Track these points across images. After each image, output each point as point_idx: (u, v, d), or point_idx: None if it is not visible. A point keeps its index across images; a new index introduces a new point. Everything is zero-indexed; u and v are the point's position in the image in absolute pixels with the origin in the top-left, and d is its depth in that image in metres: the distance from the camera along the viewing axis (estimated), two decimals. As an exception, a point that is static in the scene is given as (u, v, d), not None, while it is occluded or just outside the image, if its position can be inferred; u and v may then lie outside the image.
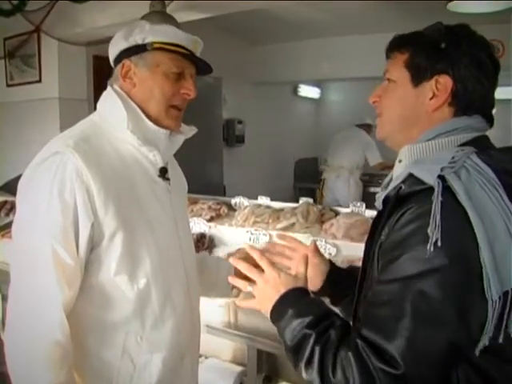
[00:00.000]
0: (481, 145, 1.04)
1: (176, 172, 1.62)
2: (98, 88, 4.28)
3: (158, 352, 1.37)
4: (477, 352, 0.92)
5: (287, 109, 7.30)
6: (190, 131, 1.57)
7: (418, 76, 1.12)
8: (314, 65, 6.01)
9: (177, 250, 1.45)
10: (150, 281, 1.34)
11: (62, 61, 4.03)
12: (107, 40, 1.48)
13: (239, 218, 2.93)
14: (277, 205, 3.13)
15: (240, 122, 6.15)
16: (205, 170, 5.08)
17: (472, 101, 1.09)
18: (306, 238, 2.52)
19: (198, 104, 4.93)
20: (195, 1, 2.99)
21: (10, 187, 4.41)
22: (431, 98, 1.10)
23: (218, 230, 2.93)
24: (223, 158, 5.50)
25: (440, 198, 0.92)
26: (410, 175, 1.02)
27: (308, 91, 7.94)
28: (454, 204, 0.93)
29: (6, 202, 4.02)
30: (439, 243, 0.90)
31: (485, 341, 0.91)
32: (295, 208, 2.91)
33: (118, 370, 1.32)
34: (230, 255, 2.61)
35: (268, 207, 3.04)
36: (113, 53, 1.43)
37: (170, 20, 2.90)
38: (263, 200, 3.20)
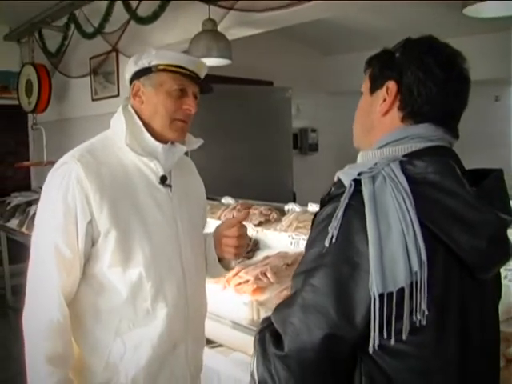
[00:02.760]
0: (431, 154, 1.06)
1: (187, 179, 1.76)
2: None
3: (148, 339, 1.53)
4: (370, 349, 0.96)
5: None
6: (195, 143, 1.73)
7: (374, 84, 1.20)
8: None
9: (173, 248, 1.60)
10: (142, 274, 1.51)
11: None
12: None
13: (284, 224, 3.07)
14: (325, 211, 3.24)
15: (314, 131, 6.27)
16: (275, 178, 5.24)
17: (419, 105, 1.12)
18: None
19: (269, 114, 5.18)
20: (244, 12, 3.13)
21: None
22: (381, 104, 1.16)
23: (264, 234, 3.10)
24: (294, 166, 5.63)
25: (346, 201, 0.99)
26: (339, 178, 1.09)
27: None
28: (360, 207, 0.98)
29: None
30: (333, 240, 0.97)
31: (375, 339, 0.95)
32: (337, 215, 3.00)
33: (110, 349, 1.51)
34: (267, 257, 2.79)
35: (313, 214, 3.14)
36: (127, 76, 1.64)
37: (219, 38, 3.11)
38: (313, 207, 3.32)
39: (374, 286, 0.93)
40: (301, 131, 6.21)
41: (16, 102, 5.52)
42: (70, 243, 1.46)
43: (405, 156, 1.07)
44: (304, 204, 3.44)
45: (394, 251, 0.95)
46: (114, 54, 4.41)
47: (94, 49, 4.61)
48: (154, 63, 1.56)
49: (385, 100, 1.16)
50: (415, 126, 1.13)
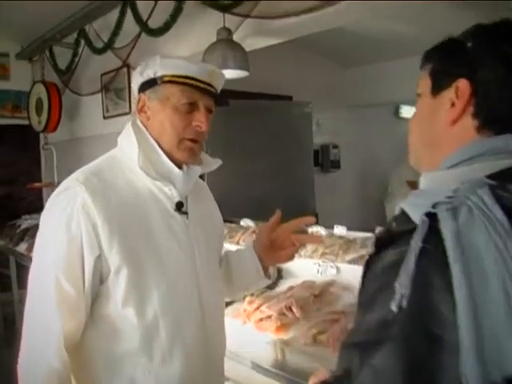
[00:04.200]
0: None
1: (204, 205, 1.62)
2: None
3: None
4: None
5: (388, 131, 6.99)
6: (213, 164, 1.57)
7: (437, 84, 0.94)
8: (414, 83, 5.71)
9: (191, 282, 1.44)
10: (157, 315, 1.34)
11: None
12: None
13: (309, 249, 2.79)
14: (353, 234, 2.97)
15: (335, 147, 6.01)
16: (296, 197, 4.98)
17: (499, 110, 0.86)
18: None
19: (289, 130, 4.94)
20: (261, 20, 2.90)
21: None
22: (449, 109, 0.90)
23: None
24: (316, 185, 5.36)
25: (419, 244, 0.72)
26: (403, 211, 0.83)
27: (410, 112, 7.52)
28: (439, 253, 0.71)
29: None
30: (404, 303, 0.70)
31: None
32: (367, 239, 2.73)
33: None
34: (291, 288, 2.52)
35: (340, 237, 2.87)
36: (134, 88, 1.47)
37: (236, 47, 2.87)
38: (339, 229, 3.05)
39: (469, 374, 0.65)
40: (322, 147, 5.95)
41: (28, 122, 5.36)
42: (74, 280, 1.30)
43: (488, 177, 0.78)
44: (327, 226, 3.18)
45: (497, 319, 0.67)
46: (125, 69, 4.20)
47: (106, 65, 4.42)
48: (159, 74, 1.39)
49: (453, 104, 0.90)
50: (495, 138, 0.86)
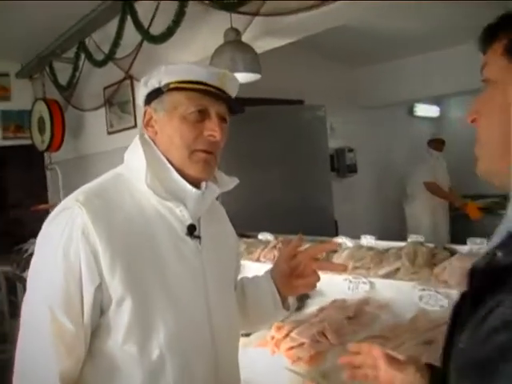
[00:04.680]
0: None
1: (218, 227, 1.46)
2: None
3: None
4: None
5: (403, 131, 6.75)
6: (230, 183, 1.42)
7: None
8: (428, 81, 5.51)
9: (202, 315, 1.29)
10: (163, 353, 1.19)
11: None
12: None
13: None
14: (383, 244, 2.73)
15: (351, 151, 5.78)
16: (314, 205, 4.74)
17: None
18: (411, 287, 2.12)
19: (302, 135, 4.70)
20: (270, 18, 2.68)
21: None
22: None
23: (314, 278, 2.58)
24: (333, 191, 5.12)
25: None
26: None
27: (425, 110, 7.36)
28: None
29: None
30: None
31: None
32: (401, 249, 2.49)
33: None
34: (322, 309, 2.28)
35: (370, 249, 2.63)
36: (140, 101, 1.35)
37: (245, 48, 2.66)
38: (367, 240, 2.81)
39: None
40: (337, 152, 5.72)
41: (31, 142, 5.22)
42: (72, 313, 1.15)
43: None
44: (349, 234, 2.95)
45: None
46: (128, 81, 4.01)
47: (109, 78, 4.22)
48: (164, 82, 1.26)
49: None
50: None
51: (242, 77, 2.76)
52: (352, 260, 2.50)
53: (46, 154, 5.36)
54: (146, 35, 3.26)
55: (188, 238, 1.28)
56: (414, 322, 1.99)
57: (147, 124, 1.31)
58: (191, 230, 1.28)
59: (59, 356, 1.14)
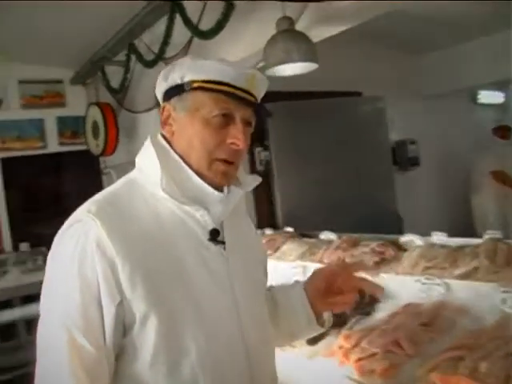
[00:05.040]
0: None
1: (241, 228, 1.37)
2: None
3: None
4: None
5: (466, 120, 6.38)
6: (252, 182, 1.33)
7: None
8: (492, 65, 5.17)
9: (234, 328, 1.20)
10: (196, 371, 1.11)
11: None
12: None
13: (406, 264, 2.36)
14: (456, 241, 2.51)
15: (413, 143, 5.50)
16: (376, 201, 4.53)
17: None
18: (492, 289, 1.92)
19: (361, 128, 4.50)
20: (324, 3, 2.50)
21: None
22: None
23: (382, 280, 2.39)
24: (395, 185, 4.88)
25: None
26: None
27: (489, 97, 6.93)
28: None
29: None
30: None
31: None
32: (478, 246, 2.27)
33: None
34: (394, 315, 2.09)
35: (443, 247, 2.43)
36: (158, 96, 1.28)
37: (300, 37, 2.49)
38: (438, 237, 2.60)
39: None
40: (397, 144, 5.44)
41: (86, 147, 5.22)
42: (92, 334, 1.06)
43: None
44: (415, 231, 2.76)
45: None
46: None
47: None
48: (187, 79, 1.18)
49: None
50: None
51: (298, 67, 2.60)
52: (423, 259, 2.31)
53: (101, 159, 5.36)
54: (196, 31, 3.14)
55: (211, 244, 1.20)
56: (497, 329, 1.79)
57: (165, 122, 1.24)
58: (214, 235, 1.20)
59: (78, 380, 1.04)
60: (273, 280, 2.82)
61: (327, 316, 1.48)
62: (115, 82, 4.70)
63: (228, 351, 1.18)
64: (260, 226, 4.02)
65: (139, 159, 1.26)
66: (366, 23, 2.81)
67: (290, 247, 3.09)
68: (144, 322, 1.08)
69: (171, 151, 1.21)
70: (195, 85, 1.16)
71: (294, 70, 2.67)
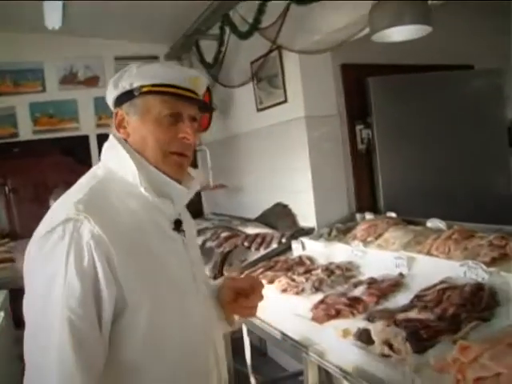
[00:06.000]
0: None
1: (188, 217, 1.50)
2: (349, 101, 3.73)
3: None
4: None
5: None
6: (199, 176, 1.44)
7: None
8: None
9: (203, 312, 1.35)
10: (182, 355, 1.26)
11: (307, 76, 3.57)
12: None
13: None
14: None
15: (532, 121, 4.93)
16: (489, 187, 4.08)
17: None
18: None
19: (473, 105, 4.03)
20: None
21: (264, 218, 4.15)
22: None
23: (503, 279, 2.05)
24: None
25: None
26: None
27: None
28: None
29: (257, 236, 3.72)
30: None
31: None
32: None
33: None
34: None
35: None
36: (109, 102, 1.38)
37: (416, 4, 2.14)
38: None
39: None
40: (513, 123, 4.91)
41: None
42: (92, 325, 1.12)
43: None
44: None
45: None
46: (276, 52, 3.67)
47: (255, 51, 3.92)
48: (136, 85, 1.30)
49: None
50: None
51: (410, 31, 2.28)
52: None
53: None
54: (294, -4, 2.89)
55: (175, 234, 1.32)
56: None
57: (119, 126, 1.33)
58: (178, 224, 1.32)
59: (83, 372, 1.09)
60: (373, 270, 2.57)
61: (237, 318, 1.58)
62: (209, 57, 4.56)
63: (201, 333, 1.32)
64: (360, 209, 3.73)
65: (106, 156, 1.34)
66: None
67: (394, 235, 2.80)
68: (136, 310, 1.16)
69: (135, 152, 1.29)
70: (144, 89, 1.28)
71: (404, 34, 2.34)
